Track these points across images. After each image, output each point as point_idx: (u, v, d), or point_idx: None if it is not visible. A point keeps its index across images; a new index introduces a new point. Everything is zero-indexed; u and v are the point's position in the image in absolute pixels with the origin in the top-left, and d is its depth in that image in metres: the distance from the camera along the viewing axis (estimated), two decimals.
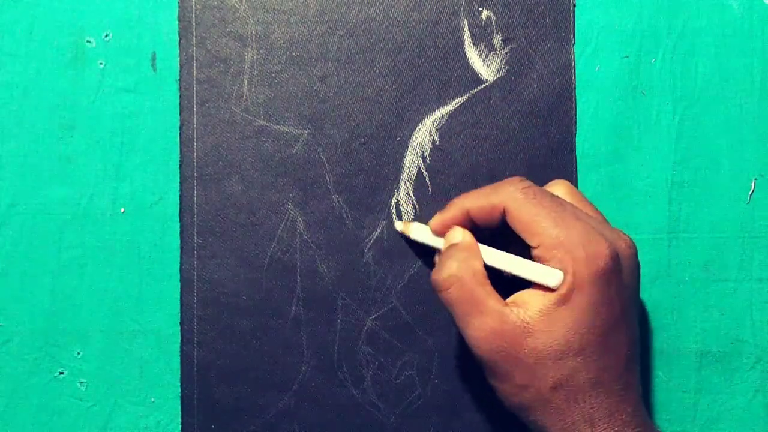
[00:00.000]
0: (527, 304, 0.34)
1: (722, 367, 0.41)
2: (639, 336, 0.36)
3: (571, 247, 0.33)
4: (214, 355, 0.40)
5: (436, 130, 0.41)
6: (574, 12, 0.41)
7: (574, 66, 0.41)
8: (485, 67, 0.41)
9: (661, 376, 0.41)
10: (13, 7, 0.41)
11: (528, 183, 0.35)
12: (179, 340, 0.40)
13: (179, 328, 0.40)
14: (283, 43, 0.41)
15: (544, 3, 0.41)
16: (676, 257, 0.41)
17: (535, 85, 0.41)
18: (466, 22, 0.41)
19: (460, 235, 0.36)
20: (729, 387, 0.41)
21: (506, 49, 0.41)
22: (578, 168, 0.41)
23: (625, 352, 0.34)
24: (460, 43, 0.41)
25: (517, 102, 0.41)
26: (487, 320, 0.34)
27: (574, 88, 0.41)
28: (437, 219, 0.37)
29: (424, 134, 0.41)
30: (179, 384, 0.40)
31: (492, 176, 0.41)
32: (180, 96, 0.41)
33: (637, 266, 0.36)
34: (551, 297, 0.33)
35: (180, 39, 0.41)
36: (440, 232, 0.37)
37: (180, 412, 0.40)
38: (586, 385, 0.33)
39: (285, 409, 0.40)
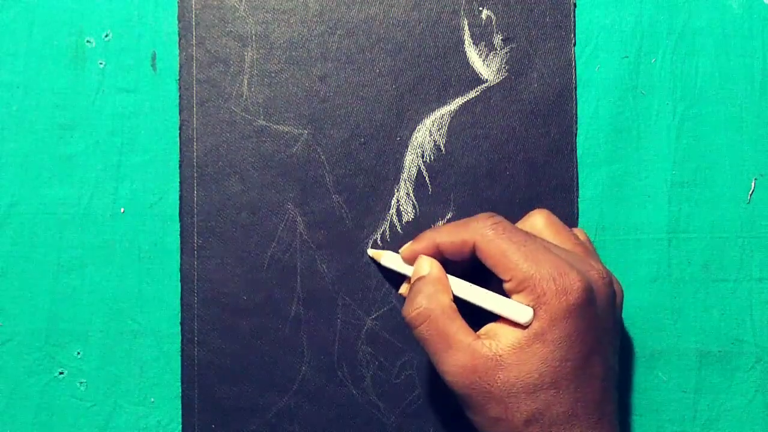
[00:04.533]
0: (499, 337, 0.34)
1: (722, 367, 0.41)
2: (617, 364, 0.36)
3: (542, 282, 0.33)
4: (214, 355, 0.40)
5: (436, 130, 0.41)
6: (574, 12, 0.41)
7: (575, 66, 0.41)
8: (485, 66, 0.41)
9: (661, 376, 0.41)
10: (13, 7, 0.41)
11: (498, 219, 0.35)
12: (179, 340, 0.40)
13: (179, 328, 0.40)
14: (283, 43, 0.41)
15: (545, 3, 0.41)
16: (676, 257, 0.41)
17: (536, 85, 0.41)
18: (466, 22, 0.41)
19: (428, 266, 0.37)
20: (729, 387, 0.41)
21: (506, 49, 0.41)
22: (578, 168, 0.41)
23: (600, 383, 0.34)
24: (460, 42, 0.41)
25: (517, 102, 0.41)
26: (459, 355, 0.34)
27: (575, 88, 0.41)
28: (408, 248, 0.38)
29: (424, 134, 0.41)
30: (179, 384, 0.40)
31: (492, 176, 0.41)
32: (180, 96, 0.41)
33: (613, 294, 0.35)
34: (524, 331, 0.33)
35: (180, 39, 0.41)
36: (411, 261, 0.38)
37: (180, 412, 0.40)
38: (560, 418, 0.33)
39: (285, 409, 0.40)
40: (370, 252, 0.40)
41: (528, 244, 0.34)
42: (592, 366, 0.34)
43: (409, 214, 0.41)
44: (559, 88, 0.41)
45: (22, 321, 0.40)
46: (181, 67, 0.41)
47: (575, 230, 0.38)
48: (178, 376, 0.40)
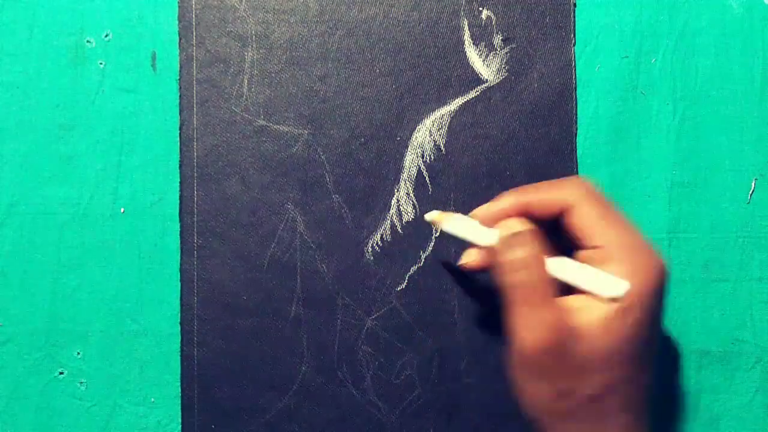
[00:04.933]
0: (581, 310, 0.33)
1: (722, 367, 0.41)
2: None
3: (637, 256, 0.32)
4: (214, 355, 0.40)
5: (436, 130, 0.41)
6: (574, 12, 0.41)
7: (575, 66, 0.41)
8: (485, 67, 0.41)
9: (661, 376, 0.41)
10: (13, 7, 0.41)
11: (592, 184, 0.35)
12: (179, 340, 0.40)
13: (179, 328, 0.40)
14: (283, 43, 0.41)
15: (545, 3, 0.41)
16: (676, 257, 0.41)
17: (536, 85, 0.41)
18: (466, 22, 0.41)
19: (520, 225, 0.34)
20: (729, 387, 0.41)
21: (506, 49, 0.41)
22: (578, 168, 0.41)
23: (651, 365, 0.34)
24: (460, 43, 0.41)
25: (517, 102, 0.41)
26: (545, 314, 0.32)
27: (575, 88, 0.41)
28: (486, 210, 0.35)
29: (424, 134, 0.41)
30: (179, 384, 0.40)
31: (492, 176, 0.41)
32: (180, 96, 0.41)
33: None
34: (611, 306, 0.32)
35: (180, 39, 0.41)
36: (490, 224, 0.35)
37: (180, 412, 0.40)
38: (621, 400, 0.33)
39: (285, 409, 0.40)
40: (429, 216, 0.38)
41: (622, 217, 0.33)
42: (651, 349, 0.33)
43: (409, 214, 0.41)
44: (559, 88, 0.41)
45: (22, 321, 0.40)
46: (181, 67, 0.41)
47: None
48: (178, 376, 0.40)
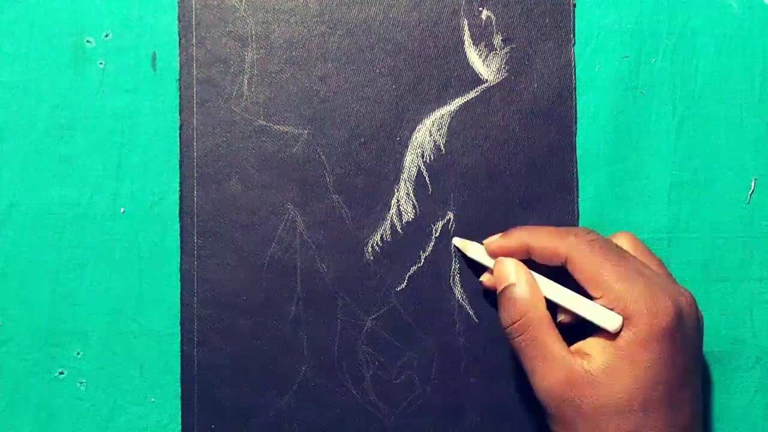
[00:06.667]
0: (591, 356, 0.34)
1: (722, 367, 0.41)
2: (701, 391, 0.36)
3: (633, 303, 0.33)
4: (214, 355, 0.40)
5: (436, 130, 0.41)
6: (574, 12, 0.41)
7: (574, 66, 0.41)
8: (485, 67, 0.41)
9: None
10: (13, 7, 0.41)
11: (595, 235, 0.35)
12: (179, 340, 0.40)
13: (179, 328, 0.40)
14: (283, 43, 0.41)
15: (544, 3, 0.41)
16: (676, 257, 0.41)
17: (535, 85, 0.41)
18: (466, 22, 0.41)
19: (521, 273, 0.36)
20: (729, 387, 0.41)
21: (506, 49, 0.41)
22: (578, 168, 0.41)
23: (689, 409, 0.34)
24: (460, 43, 0.41)
25: (517, 102, 0.41)
26: (554, 367, 0.34)
27: (574, 88, 0.41)
28: (496, 243, 0.37)
29: (424, 134, 0.41)
30: (179, 384, 0.40)
31: (492, 176, 0.41)
32: (180, 96, 0.41)
33: (699, 321, 0.35)
34: (615, 351, 0.33)
35: (180, 39, 0.41)
36: (495, 256, 0.38)
37: (180, 412, 0.40)
38: None
39: (285, 409, 0.40)
40: (456, 241, 0.40)
41: (622, 264, 0.34)
42: (682, 391, 0.34)
43: (409, 214, 0.41)
44: (559, 88, 0.41)
45: (22, 321, 0.40)
46: (181, 67, 0.41)
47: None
48: (178, 376, 0.40)
